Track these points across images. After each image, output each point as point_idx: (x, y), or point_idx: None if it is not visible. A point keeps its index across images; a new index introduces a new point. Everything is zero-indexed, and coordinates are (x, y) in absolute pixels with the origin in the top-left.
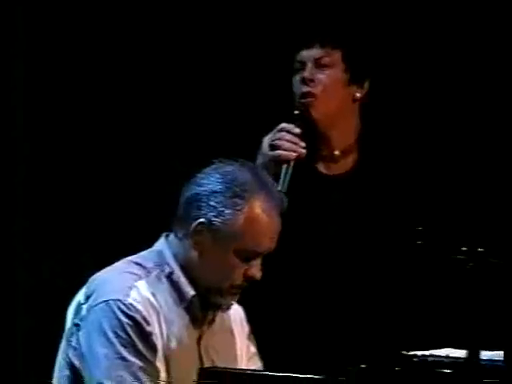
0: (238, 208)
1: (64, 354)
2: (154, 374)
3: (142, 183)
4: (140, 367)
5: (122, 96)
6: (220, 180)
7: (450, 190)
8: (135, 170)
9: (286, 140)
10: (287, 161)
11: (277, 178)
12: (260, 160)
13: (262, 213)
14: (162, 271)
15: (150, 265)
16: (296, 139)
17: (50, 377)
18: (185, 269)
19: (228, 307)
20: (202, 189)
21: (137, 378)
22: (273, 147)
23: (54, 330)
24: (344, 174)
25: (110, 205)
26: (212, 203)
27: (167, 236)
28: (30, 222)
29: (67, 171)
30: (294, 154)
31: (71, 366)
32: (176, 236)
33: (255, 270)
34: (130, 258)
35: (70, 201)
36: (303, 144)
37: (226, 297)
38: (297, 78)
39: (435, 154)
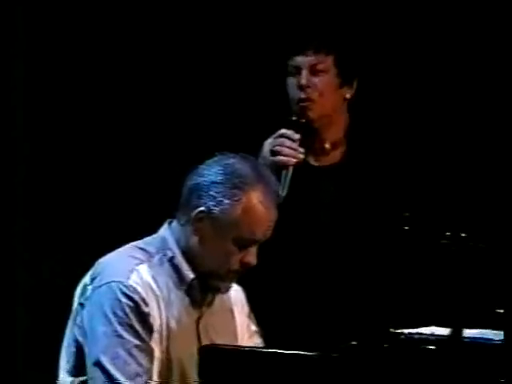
0: (236, 198)
1: (71, 333)
2: (148, 352)
3: (142, 183)
4: (135, 345)
5: (122, 96)
6: (220, 171)
7: (433, 178)
8: (135, 170)
9: (285, 146)
10: (287, 166)
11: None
12: (261, 163)
13: (258, 204)
14: (165, 255)
15: (153, 250)
16: (295, 145)
17: (50, 375)
18: (186, 254)
19: (226, 290)
20: (203, 179)
21: (131, 356)
22: (273, 153)
23: (53, 329)
24: (333, 165)
25: (110, 205)
26: (212, 193)
27: (170, 223)
28: (30, 222)
29: (67, 171)
30: (294, 160)
31: (77, 343)
32: (178, 223)
33: (251, 256)
34: (134, 243)
35: (70, 201)
36: (302, 150)
37: (225, 280)
38: (292, 81)
39: (418, 145)
